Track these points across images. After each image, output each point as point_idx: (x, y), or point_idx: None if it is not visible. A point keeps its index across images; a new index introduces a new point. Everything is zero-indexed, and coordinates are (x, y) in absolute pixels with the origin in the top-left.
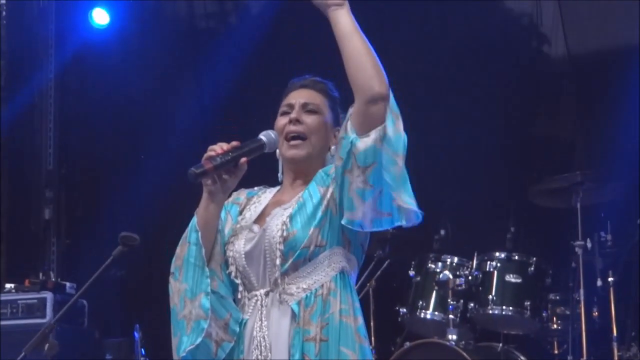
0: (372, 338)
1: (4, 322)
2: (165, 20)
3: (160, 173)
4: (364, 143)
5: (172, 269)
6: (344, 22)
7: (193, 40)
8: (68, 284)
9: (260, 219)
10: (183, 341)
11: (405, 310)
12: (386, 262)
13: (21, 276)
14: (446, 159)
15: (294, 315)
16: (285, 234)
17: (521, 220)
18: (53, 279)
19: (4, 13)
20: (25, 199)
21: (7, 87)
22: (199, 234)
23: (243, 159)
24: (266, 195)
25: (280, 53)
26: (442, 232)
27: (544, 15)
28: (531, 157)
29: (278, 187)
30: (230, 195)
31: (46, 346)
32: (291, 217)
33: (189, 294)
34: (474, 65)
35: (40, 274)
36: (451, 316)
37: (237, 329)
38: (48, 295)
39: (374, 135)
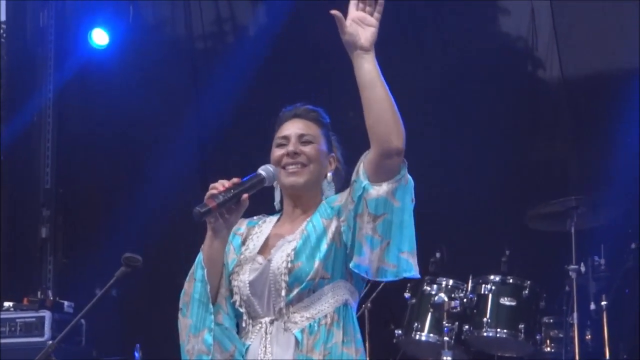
0: (368, 359)
1: (2, 341)
2: (164, 41)
3: (158, 193)
4: (376, 191)
5: (180, 305)
6: (368, 68)
7: (192, 61)
8: (66, 303)
9: (263, 249)
10: None
11: (400, 331)
12: (382, 284)
13: (17, 294)
14: (442, 182)
15: (297, 343)
16: (290, 265)
17: (516, 243)
18: (51, 298)
19: (3, 32)
20: (23, 217)
21: (7, 106)
22: (205, 270)
23: (245, 196)
24: (267, 225)
25: (278, 74)
26: (438, 254)
27: (539, 40)
28: (526, 181)
29: (278, 216)
30: None
31: None
32: (296, 251)
33: (192, 329)
34: (469, 89)
35: (39, 293)
36: (446, 338)
37: None
38: (46, 314)
39: (386, 187)
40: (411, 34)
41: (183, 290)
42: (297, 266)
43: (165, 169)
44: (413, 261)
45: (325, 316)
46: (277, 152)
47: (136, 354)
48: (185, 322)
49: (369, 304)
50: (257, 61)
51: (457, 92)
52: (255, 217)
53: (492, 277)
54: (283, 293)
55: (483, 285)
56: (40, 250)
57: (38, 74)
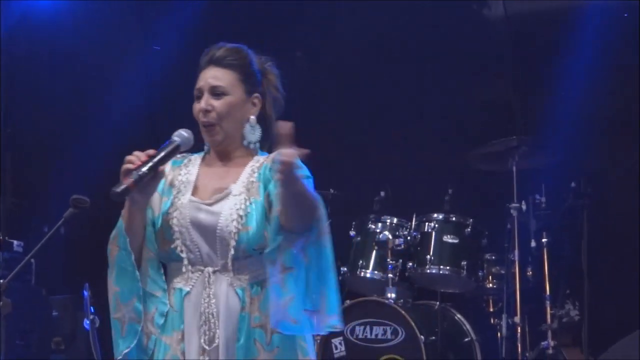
0: None
1: None
2: None
3: (108, 134)
4: (288, 243)
5: (109, 260)
6: (296, 187)
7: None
8: (15, 242)
9: (197, 191)
10: (119, 344)
11: (345, 269)
12: (327, 222)
13: None
14: (385, 122)
15: (239, 300)
16: (240, 227)
17: (459, 182)
18: (0, 237)
19: None
20: None
21: None
22: (127, 239)
23: (161, 167)
24: (193, 164)
25: (228, 11)
26: (382, 193)
27: None
28: (470, 121)
29: (202, 154)
30: None
31: (0, 304)
32: (248, 215)
33: (121, 298)
34: (411, 27)
35: None
36: (390, 275)
37: (161, 322)
38: None
39: (299, 239)
40: None
41: (108, 249)
42: (248, 229)
43: (115, 111)
44: (316, 319)
45: (264, 280)
46: (195, 107)
47: (85, 293)
48: (110, 284)
49: None
50: (206, 6)
51: (399, 30)
52: (179, 156)
53: (435, 215)
54: (232, 252)
55: (426, 224)
56: None
57: None
